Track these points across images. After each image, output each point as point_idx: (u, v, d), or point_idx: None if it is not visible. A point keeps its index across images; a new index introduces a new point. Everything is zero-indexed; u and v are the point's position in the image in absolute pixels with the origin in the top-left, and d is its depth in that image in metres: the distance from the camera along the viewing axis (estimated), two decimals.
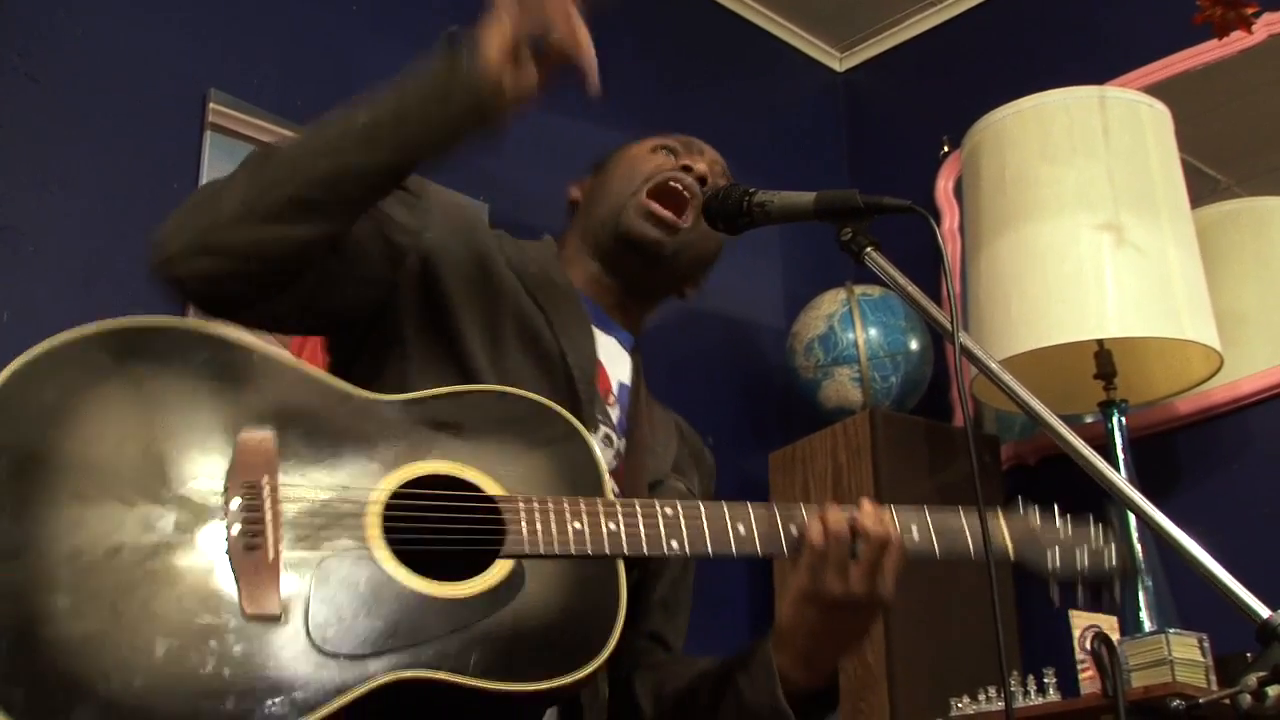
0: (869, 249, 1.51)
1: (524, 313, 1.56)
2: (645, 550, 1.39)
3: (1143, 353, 2.73)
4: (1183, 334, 2.57)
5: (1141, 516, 1.28)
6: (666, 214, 1.66)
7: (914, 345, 2.98)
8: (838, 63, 3.83)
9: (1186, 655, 2.28)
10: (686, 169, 1.69)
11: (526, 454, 1.40)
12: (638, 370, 1.72)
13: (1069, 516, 1.63)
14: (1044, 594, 2.86)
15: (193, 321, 1.40)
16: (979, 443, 2.91)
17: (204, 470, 1.26)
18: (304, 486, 1.29)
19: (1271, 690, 1.13)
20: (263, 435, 1.30)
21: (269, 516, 1.26)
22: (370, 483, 1.32)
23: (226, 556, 1.23)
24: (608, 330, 1.69)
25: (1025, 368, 2.55)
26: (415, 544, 1.30)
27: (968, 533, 1.52)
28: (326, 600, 1.25)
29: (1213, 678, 2.29)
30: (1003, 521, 1.56)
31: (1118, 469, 2.55)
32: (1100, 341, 2.63)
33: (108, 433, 1.25)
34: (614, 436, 1.63)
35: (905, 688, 2.58)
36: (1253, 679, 1.14)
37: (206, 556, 1.22)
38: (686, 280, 1.76)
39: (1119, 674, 2.14)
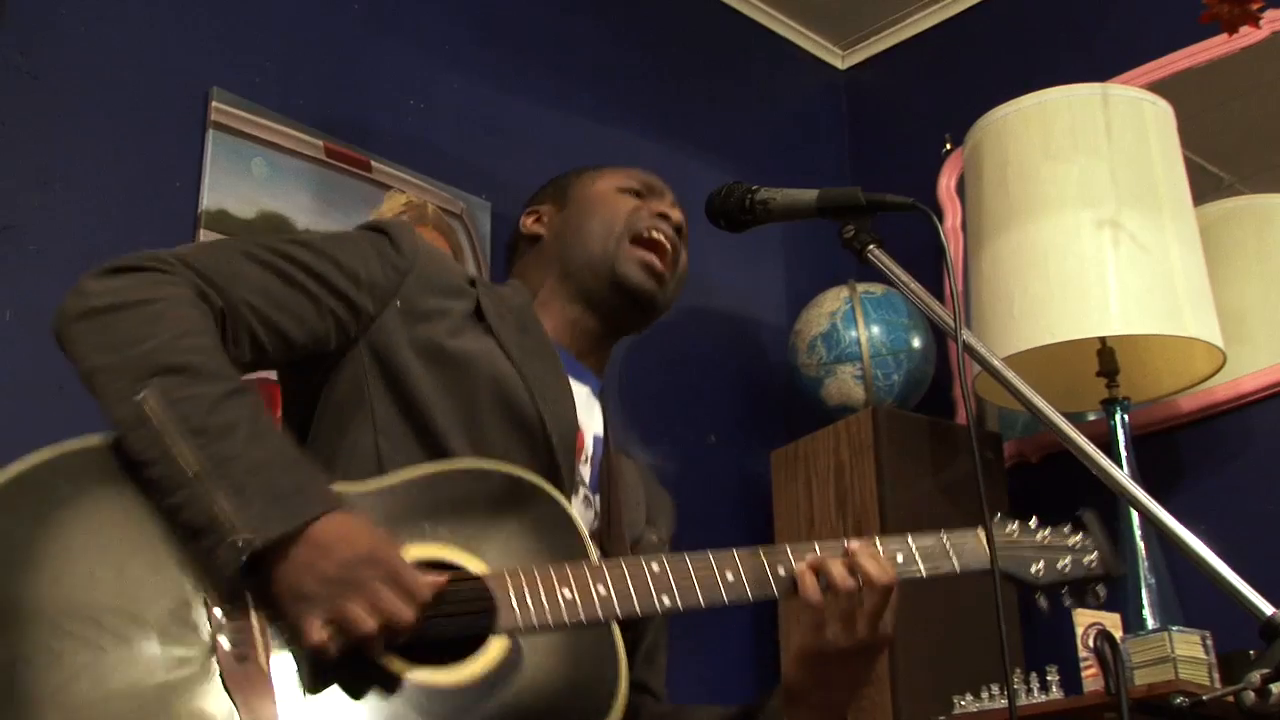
0: (871, 246, 1.51)
1: (500, 377, 1.53)
2: (638, 610, 1.37)
3: (1145, 350, 2.73)
4: (1185, 331, 2.57)
5: (1144, 514, 1.28)
6: (660, 267, 1.69)
7: (916, 343, 2.98)
8: (840, 60, 3.83)
9: (1189, 653, 2.28)
10: (663, 216, 1.72)
11: (507, 529, 1.38)
12: (607, 417, 1.72)
13: (1047, 523, 1.64)
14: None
15: None
16: (981, 440, 2.91)
17: (183, 586, 1.23)
18: None
19: (1275, 687, 1.13)
20: None
21: (255, 622, 1.24)
22: None
23: (218, 673, 1.20)
24: (579, 378, 1.67)
25: (1028, 365, 2.55)
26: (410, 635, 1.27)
27: (950, 554, 1.53)
28: (325, 705, 1.22)
29: (1216, 675, 2.29)
30: (982, 538, 1.55)
31: (1120, 466, 2.54)
32: (1103, 339, 2.63)
33: (79, 563, 1.21)
34: (592, 497, 1.63)
35: (908, 685, 2.58)
36: (1256, 676, 1.14)
37: (199, 677, 1.19)
38: (652, 322, 1.78)
39: (1122, 671, 2.14)
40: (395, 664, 1.26)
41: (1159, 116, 2.75)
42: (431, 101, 2.85)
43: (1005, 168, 2.74)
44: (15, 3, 2.31)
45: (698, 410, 3.15)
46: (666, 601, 1.38)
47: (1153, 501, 1.29)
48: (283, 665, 1.23)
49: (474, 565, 1.34)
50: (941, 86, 3.54)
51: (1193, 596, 2.49)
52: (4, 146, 2.24)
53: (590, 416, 1.67)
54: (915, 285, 1.47)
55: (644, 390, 3.03)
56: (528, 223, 1.80)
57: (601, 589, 1.35)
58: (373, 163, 2.67)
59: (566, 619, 1.33)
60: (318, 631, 1.22)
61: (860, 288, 3.02)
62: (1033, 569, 1.58)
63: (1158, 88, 2.89)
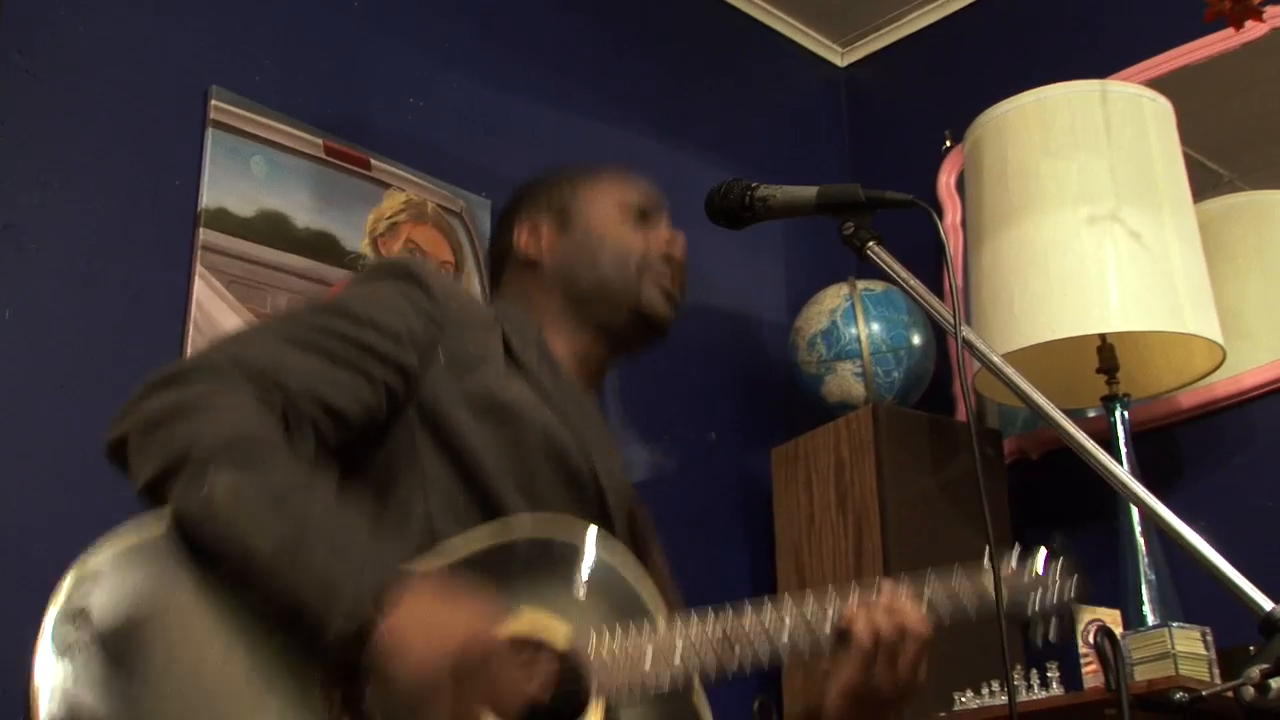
0: (871, 243, 1.52)
1: (548, 431, 1.51)
2: (714, 670, 1.39)
3: (1145, 347, 2.73)
4: (1185, 328, 2.57)
5: (1145, 510, 1.28)
6: (677, 297, 1.70)
7: (916, 340, 2.98)
8: (839, 58, 3.83)
9: (1189, 648, 2.28)
10: (668, 257, 1.72)
11: (578, 594, 1.39)
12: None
13: (1022, 558, 1.65)
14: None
15: None
16: (981, 437, 2.91)
17: (298, 672, 1.21)
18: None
19: (1274, 682, 1.13)
20: None
21: (371, 709, 1.22)
22: None
23: None
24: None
25: (1027, 362, 2.55)
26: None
27: (960, 595, 1.57)
28: None
29: (1215, 671, 2.29)
30: (989, 578, 1.58)
31: (1120, 463, 2.54)
32: (1103, 336, 2.63)
33: (187, 651, 1.19)
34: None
35: None
36: (1255, 671, 1.14)
37: None
38: None
39: (1122, 667, 2.14)
40: None
41: (1158, 113, 2.75)
42: (431, 99, 2.85)
43: (1005, 165, 2.74)
44: (14, 1, 2.31)
45: (698, 408, 3.15)
46: (738, 662, 1.40)
47: (1153, 498, 1.29)
48: None
49: (555, 637, 1.35)
50: (941, 83, 3.54)
51: (1193, 592, 2.49)
52: (3, 145, 2.24)
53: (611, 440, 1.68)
54: (915, 282, 1.48)
55: (644, 388, 3.03)
56: (523, 240, 1.73)
57: (679, 652, 1.37)
58: (372, 161, 2.67)
59: (654, 685, 1.35)
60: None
61: (860, 285, 3.02)
62: (1029, 607, 1.61)
63: (1157, 84, 2.88)
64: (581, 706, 1.32)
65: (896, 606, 1.47)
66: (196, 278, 2.36)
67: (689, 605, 1.70)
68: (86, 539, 1.25)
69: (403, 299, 1.50)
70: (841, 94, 3.79)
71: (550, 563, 1.40)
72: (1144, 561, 2.51)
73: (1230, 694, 1.17)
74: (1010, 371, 1.42)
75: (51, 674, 1.15)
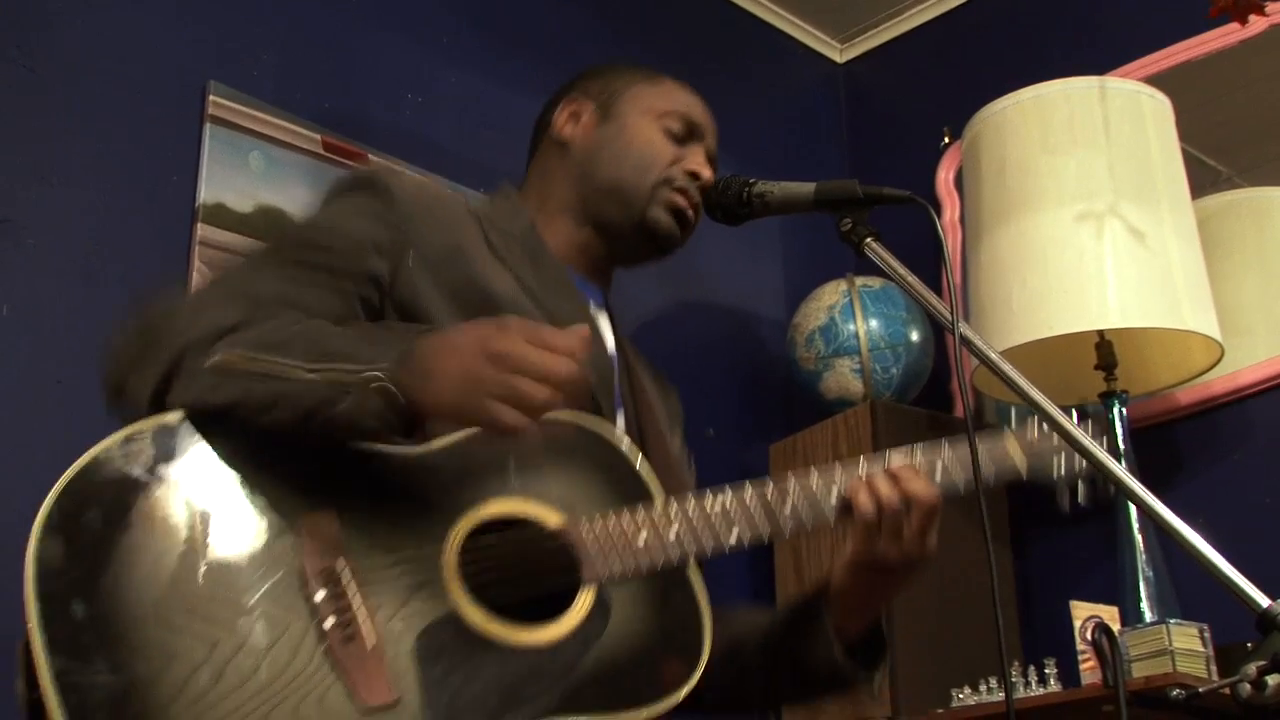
0: (869, 240, 1.52)
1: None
2: (711, 548, 1.39)
3: (1143, 343, 2.73)
4: (1183, 325, 2.57)
5: (1142, 507, 1.28)
6: (690, 216, 1.68)
7: (915, 336, 2.98)
8: (838, 54, 3.83)
9: (1187, 645, 2.28)
10: (695, 176, 1.69)
11: (572, 476, 1.39)
12: (616, 326, 1.73)
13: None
14: (1049, 577, 2.87)
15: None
16: (979, 433, 2.91)
17: (277, 568, 1.23)
18: (377, 561, 1.26)
19: (1271, 679, 1.13)
20: (324, 517, 1.26)
21: (356, 602, 1.23)
22: (437, 543, 1.29)
23: (325, 654, 1.20)
24: (588, 294, 1.68)
25: (1026, 359, 2.55)
26: (498, 593, 1.29)
27: (985, 459, 1.56)
28: (436, 676, 1.23)
29: (1213, 668, 2.29)
30: (1013, 445, 1.60)
31: (1118, 459, 2.54)
32: (1101, 332, 2.63)
33: (166, 552, 1.20)
34: (620, 419, 1.63)
35: (906, 678, 2.58)
36: (1252, 668, 1.14)
37: (308, 660, 1.19)
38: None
39: (1120, 664, 2.14)
40: (493, 628, 1.28)
41: (1157, 110, 2.75)
42: (429, 95, 2.85)
43: (1003, 161, 2.74)
44: None
45: (696, 404, 3.12)
46: (736, 536, 1.41)
47: (1150, 494, 1.29)
48: (389, 642, 1.23)
49: (549, 518, 1.35)
50: (939, 80, 3.54)
51: (1190, 589, 2.49)
52: (1, 140, 2.24)
53: (602, 331, 1.68)
54: (913, 279, 1.48)
55: None
56: (562, 120, 1.74)
57: (675, 531, 1.38)
58: (370, 156, 2.67)
59: (647, 565, 1.35)
60: (511, 415, 1.21)
61: (858, 281, 3.02)
62: (1055, 470, 1.62)
63: (1156, 81, 2.88)
64: (573, 587, 1.32)
65: (901, 475, 1.47)
66: (195, 273, 2.36)
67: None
68: None
69: (363, 211, 1.50)
70: (840, 90, 3.79)
71: (550, 442, 1.38)
72: (1142, 558, 2.51)
73: (1227, 691, 1.17)
74: (1008, 368, 1.42)
75: (48, 546, 1.19)
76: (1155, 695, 2.16)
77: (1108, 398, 2.63)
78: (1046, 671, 2.40)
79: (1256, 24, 2.88)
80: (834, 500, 1.46)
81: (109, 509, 1.21)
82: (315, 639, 1.21)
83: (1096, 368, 2.64)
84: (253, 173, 2.49)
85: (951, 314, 1.43)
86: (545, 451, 1.39)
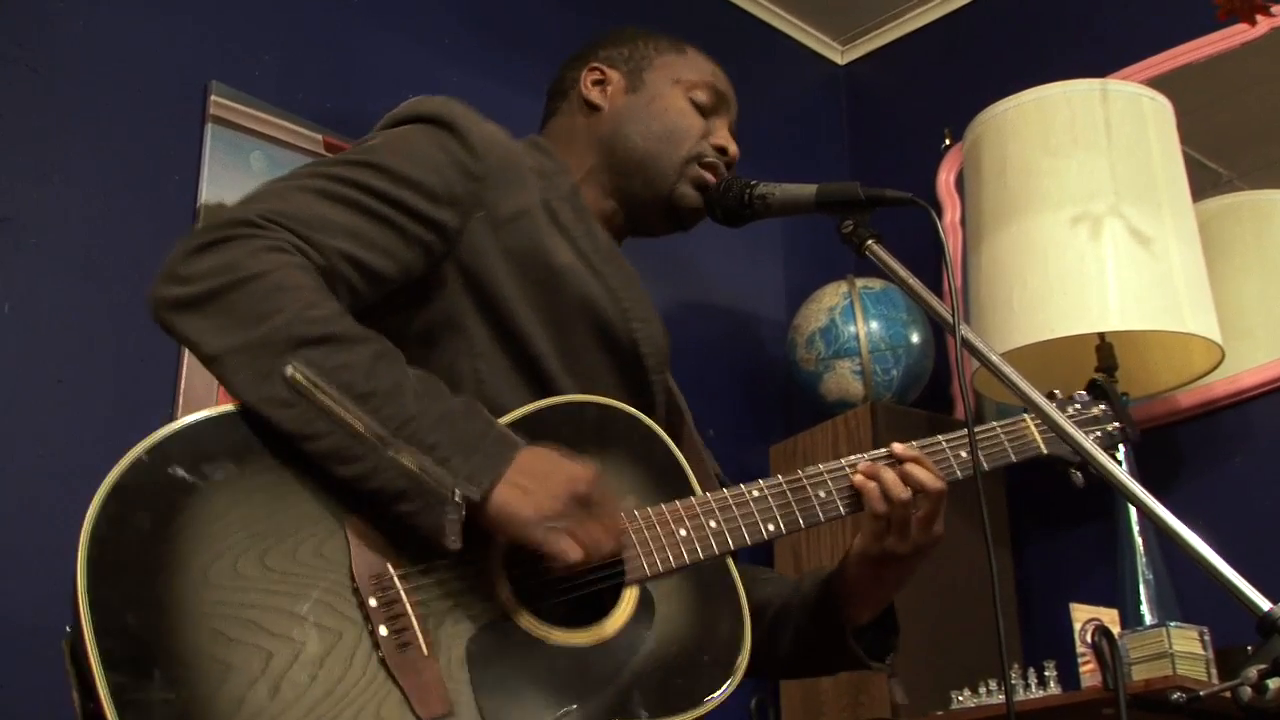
0: (870, 241, 1.52)
1: (590, 297, 1.50)
2: (748, 540, 1.41)
3: (1144, 346, 2.73)
4: (1184, 327, 2.57)
5: (1142, 509, 1.28)
6: (713, 188, 1.65)
7: (915, 338, 2.98)
8: (839, 55, 3.83)
9: (1187, 648, 2.28)
10: (722, 151, 1.68)
11: (612, 464, 1.38)
12: None
13: (1068, 400, 1.70)
14: (1049, 579, 2.87)
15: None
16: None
17: (327, 574, 1.20)
18: (426, 565, 1.25)
19: (1272, 683, 1.13)
20: (368, 518, 1.24)
21: (409, 609, 1.22)
22: (483, 544, 1.27)
23: (380, 664, 1.19)
24: None
25: (1026, 361, 2.55)
26: (544, 593, 1.29)
27: (1006, 446, 1.60)
28: (488, 683, 1.22)
29: (1213, 671, 2.29)
30: (1032, 424, 1.63)
31: (1119, 462, 2.54)
32: (1101, 335, 2.63)
33: (217, 558, 1.17)
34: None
35: (906, 680, 2.58)
36: (1253, 671, 1.14)
37: (365, 670, 1.18)
38: None
39: (1119, 667, 2.14)
40: (542, 630, 1.27)
41: (1158, 112, 2.75)
42: (430, 95, 2.84)
43: (1004, 163, 2.74)
44: None
45: (696, 405, 3.12)
46: (772, 528, 1.42)
47: (1151, 497, 1.29)
48: (442, 649, 1.22)
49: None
50: (941, 82, 3.54)
51: (1191, 592, 2.49)
52: (3, 139, 2.24)
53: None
54: (914, 280, 1.47)
55: None
56: (589, 83, 1.70)
57: (713, 523, 1.39)
58: None
59: (687, 559, 1.36)
60: (574, 549, 1.25)
61: (859, 283, 3.02)
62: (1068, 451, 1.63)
63: (1157, 83, 2.88)
64: (617, 584, 1.33)
65: (908, 466, 1.49)
66: None
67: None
68: None
69: (440, 152, 1.46)
70: (841, 91, 3.79)
71: (583, 433, 1.38)
72: (1142, 561, 2.51)
73: (1228, 694, 1.17)
74: (1008, 370, 1.42)
75: (102, 523, 1.14)
76: (1155, 698, 2.15)
77: None
78: (1046, 674, 2.39)
79: (1258, 27, 2.88)
80: (846, 499, 1.48)
81: (158, 511, 1.17)
82: (369, 648, 1.19)
83: (1097, 370, 2.64)
84: (254, 173, 2.49)
85: (953, 316, 1.43)
86: (588, 442, 1.38)
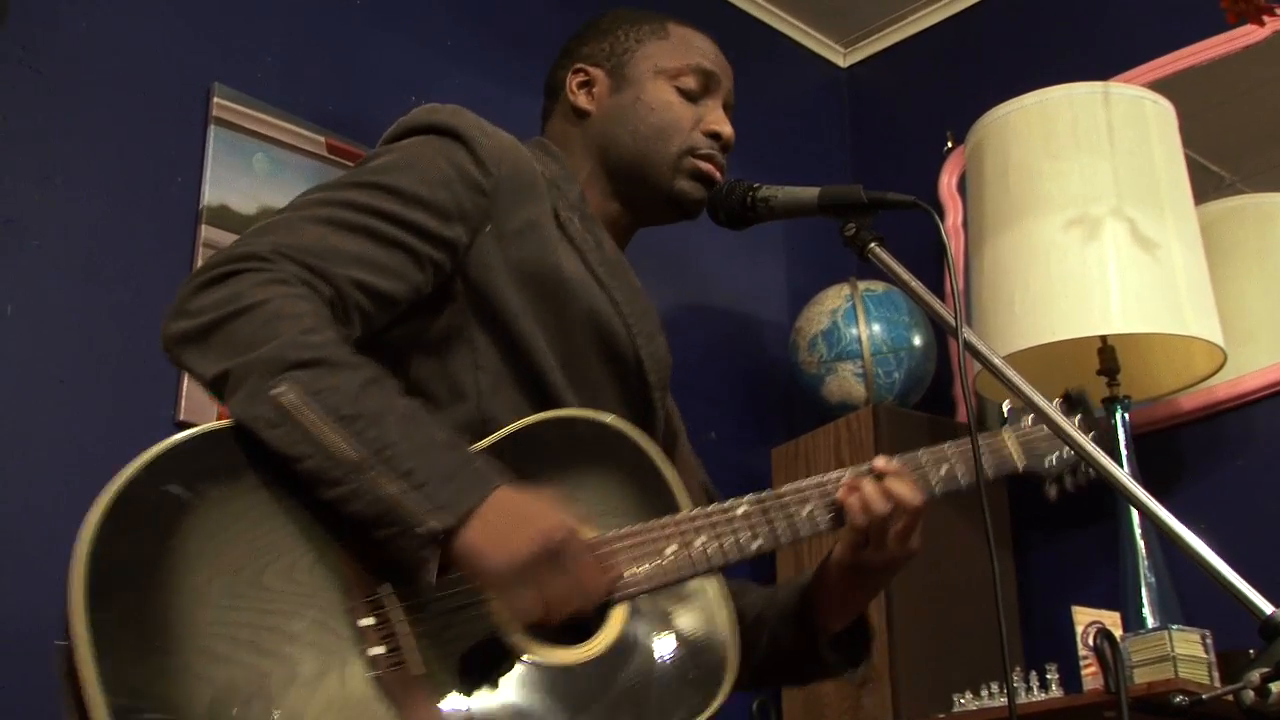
0: (872, 244, 1.51)
1: (595, 310, 1.50)
2: (735, 557, 1.40)
3: (1146, 349, 2.73)
4: (1186, 330, 2.56)
5: (1145, 512, 1.28)
6: (716, 177, 1.65)
7: (917, 341, 2.98)
8: (841, 58, 3.83)
9: (1189, 651, 2.28)
10: (716, 136, 1.66)
11: (602, 481, 1.39)
12: None
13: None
14: (1051, 582, 2.86)
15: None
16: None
17: (323, 593, 1.20)
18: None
19: (1274, 686, 1.13)
20: (362, 537, 1.23)
21: (402, 628, 1.22)
22: None
23: (375, 683, 1.19)
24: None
25: (1028, 363, 2.55)
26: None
27: (954, 463, 1.57)
28: (480, 700, 1.23)
29: (1216, 674, 2.29)
30: (1008, 440, 1.63)
31: (1121, 465, 2.54)
32: (1104, 337, 2.63)
33: (213, 577, 1.17)
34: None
35: (908, 683, 2.58)
36: (1255, 675, 1.14)
37: (358, 689, 1.18)
38: None
39: (1121, 670, 2.14)
40: (533, 649, 1.27)
41: (1160, 115, 2.75)
42: (432, 97, 2.81)
43: (1007, 166, 2.74)
44: None
45: (698, 407, 3.13)
46: (758, 545, 1.42)
47: (1153, 500, 1.29)
48: (435, 668, 1.23)
49: (583, 530, 1.33)
50: (943, 84, 3.54)
51: (1193, 595, 2.49)
52: (6, 141, 2.24)
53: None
54: (916, 283, 1.47)
55: None
56: (575, 87, 1.68)
57: (701, 540, 1.38)
58: None
59: (675, 576, 1.36)
60: (535, 608, 1.23)
61: (861, 285, 3.02)
62: (1047, 463, 1.63)
63: (1159, 86, 2.88)
64: (607, 605, 1.33)
65: (888, 480, 1.48)
66: None
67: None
68: None
69: (450, 166, 1.45)
70: (843, 94, 3.79)
71: (573, 450, 1.39)
72: (1144, 564, 2.51)
73: (1230, 698, 1.16)
74: (1011, 373, 1.42)
75: (103, 538, 1.14)
76: (1157, 701, 2.15)
77: (1110, 403, 2.63)
78: (1048, 677, 2.39)
79: (1260, 30, 2.88)
80: (828, 513, 1.48)
81: (154, 529, 1.17)
82: (364, 667, 1.19)
83: (1099, 373, 2.64)
84: (256, 174, 2.49)
85: (955, 318, 1.43)
86: (578, 458, 1.39)
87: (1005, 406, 1.66)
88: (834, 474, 1.50)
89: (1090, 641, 2.30)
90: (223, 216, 2.42)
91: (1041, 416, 1.39)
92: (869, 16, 3.70)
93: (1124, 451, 2.59)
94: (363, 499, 1.20)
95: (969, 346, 1.43)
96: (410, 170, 1.44)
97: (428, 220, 1.41)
